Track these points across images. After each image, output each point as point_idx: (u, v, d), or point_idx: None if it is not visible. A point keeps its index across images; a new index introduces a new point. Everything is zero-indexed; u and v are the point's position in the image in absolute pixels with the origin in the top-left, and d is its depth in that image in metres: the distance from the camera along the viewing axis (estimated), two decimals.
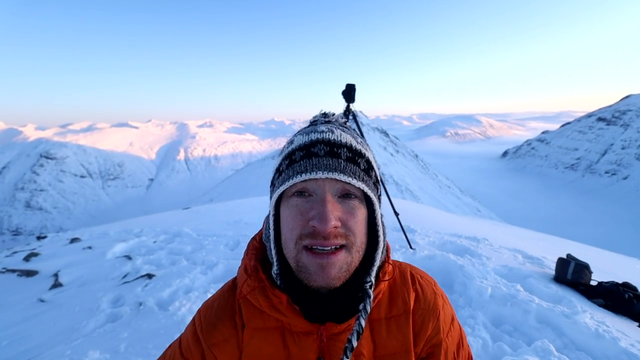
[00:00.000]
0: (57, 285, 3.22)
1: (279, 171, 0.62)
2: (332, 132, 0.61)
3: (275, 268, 0.64)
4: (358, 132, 0.70)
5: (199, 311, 0.73)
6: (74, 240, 5.15)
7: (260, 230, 0.74)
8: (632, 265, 5.15)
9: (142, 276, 3.20)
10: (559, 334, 2.23)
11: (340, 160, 0.58)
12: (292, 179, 0.58)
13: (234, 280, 0.73)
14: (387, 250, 0.69)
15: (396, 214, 3.88)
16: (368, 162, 0.62)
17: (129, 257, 3.90)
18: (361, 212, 0.60)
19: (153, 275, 3.19)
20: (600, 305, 2.79)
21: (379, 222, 0.65)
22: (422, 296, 0.70)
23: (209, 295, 0.84)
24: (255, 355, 0.65)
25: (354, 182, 0.57)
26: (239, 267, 0.70)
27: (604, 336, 2.09)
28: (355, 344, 0.56)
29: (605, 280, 3.08)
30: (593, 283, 3.08)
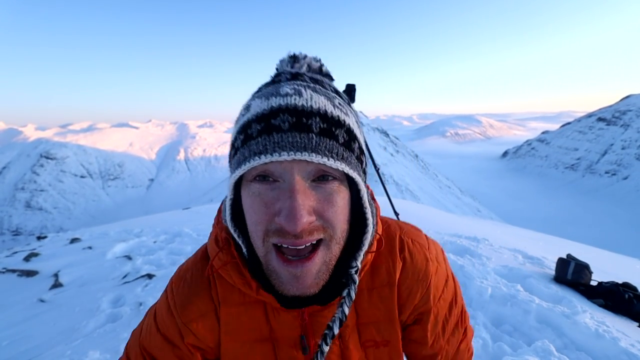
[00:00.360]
0: (57, 285, 3.22)
1: (234, 147, 0.49)
2: (300, 94, 0.46)
3: (244, 251, 0.55)
4: (334, 88, 0.55)
5: (171, 282, 0.64)
6: (74, 240, 5.15)
7: None
8: (632, 265, 5.15)
9: (142, 276, 3.21)
10: (559, 334, 2.23)
11: (311, 134, 0.43)
12: (248, 161, 0.44)
13: (204, 249, 0.64)
14: (376, 215, 0.59)
15: (396, 214, 3.88)
16: (349, 131, 0.48)
17: (129, 257, 3.90)
18: (341, 197, 0.48)
19: (153, 276, 3.20)
20: (600, 306, 2.79)
21: (366, 203, 0.53)
22: (411, 265, 0.61)
23: None
24: (235, 331, 0.59)
25: (331, 162, 0.44)
26: (210, 235, 0.61)
27: (604, 336, 2.09)
28: (336, 331, 0.50)
29: (605, 280, 3.08)
30: (593, 283, 3.08)
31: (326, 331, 0.49)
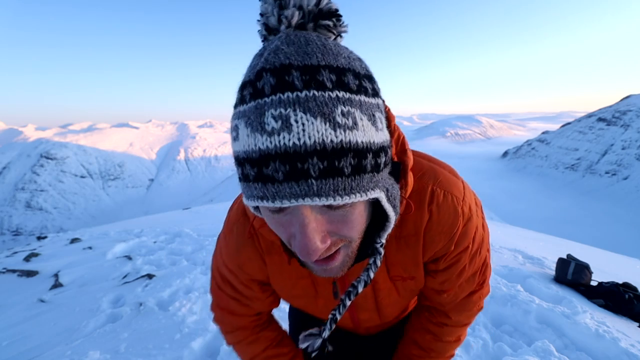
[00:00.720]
0: (57, 285, 3.22)
1: (237, 171, 0.46)
2: (289, 126, 0.37)
3: None
4: (337, 63, 0.42)
5: (223, 232, 0.73)
6: (74, 240, 5.15)
7: None
8: (632, 265, 5.15)
9: (143, 276, 3.21)
10: (560, 335, 2.22)
11: (310, 180, 0.38)
12: (253, 200, 0.43)
13: (244, 205, 0.68)
14: (407, 173, 0.55)
15: None
16: (358, 152, 0.40)
17: (129, 258, 3.90)
18: (357, 213, 0.47)
19: (153, 276, 3.20)
20: (600, 306, 2.79)
21: (387, 207, 0.49)
22: (437, 218, 0.62)
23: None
24: (280, 272, 0.70)
25: (338, 200, 0.40)
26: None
27: (604, 336, 2.09)
28: (360, 289, 0.56)
29: (605, 280, 3.08)
30: (593, 283, 3.08)
31: (350, 289, 0.56)
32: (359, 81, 0.43)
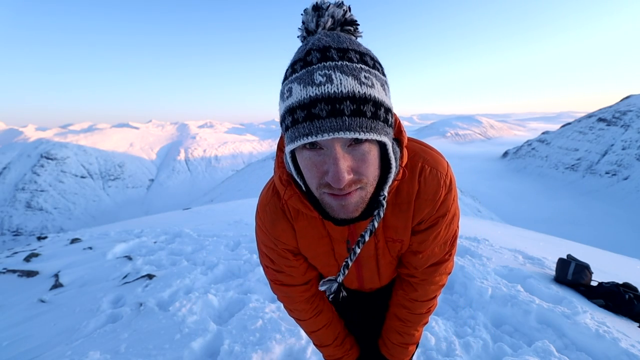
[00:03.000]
0: (57, 285, 3.22)
1: (285, 124, 0.62)
2: (331, 80, 0.56)
3: (304, 189, 0.74)
4: (359, 55, 0.61)
5: (257, 213, 0.91)
6: (74, 240, 5.15)
7: (282, 135, 0.77)
8: (632, 265, 5.14)
9: (143, 277, 3.20)
10: (560, 335, 2.22)
11: (344, 117, 0.55)
12: (299, 140, 0.59)
13: (274, 185, 0.86)
14: (402, 148, 0.73)
15: None
16: (375, 102, 0.59)
17: (129, 258, 3.90)
18: (372, 155, 0.63)
19: (153, 276, 3.19)
20: (600, 306, 2.79)
21: (390, 155, 0.67)
22: (424, 188, 0.79)
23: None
24: (305, 235, 0.88)
25: (361, 135, 0.57)
26: (274, 176, 0.81)
27: (604, 337, 2.09)
28: (367, 238, 0.72)
29: (605, 280, 3.08)
30: (593, 284, 3.07)
31: (359, 238, 0.73)
32: (373, 62, 0.63)
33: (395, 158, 0.71)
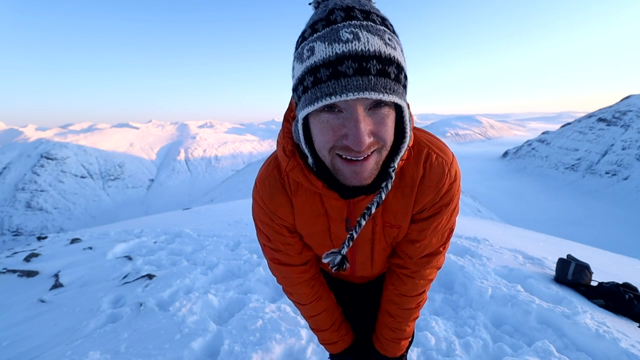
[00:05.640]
0: (57, 285, 3.22)
1: (303, 86, 0.60)
2: (359, 38, 0.54)
3: (310, 160, 0.72)
4: (381, 18, 0.60)
5: (256, 186, 0.89)
6: (74, 240, 5.15)
7: (290, 106, 0.77)
8: (632, 265, 5.14)
9: (143, 277, 3.20)
10: (560, 335, 2.22)
11: (370, 76, 0.54)
12: (321, 100, 0.56)
13: (276, 158, 0.85)
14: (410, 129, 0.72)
15: None
16: (398, 65, 0.57)
17: (129, 258, 3.90)
18: (390, 119, 0.62)
19: (153, 276, 3.19)
20: (600, 306, 2.79)
21: (407, 121, 0.66)
22: (429, 174, 0.78)
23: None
24: (303, 212, 0.86)
25: (385, 97, 0.55)
26: (278, 147, 0.79)
27: (604, 337, 2.09)
28: (373, 210, 0.71)
29: (605, 280, 3.08)
30: (593, 284, 3.07)
31: (365, 210, 0.71)
32: (392, 27, 0.62)
33: (409, 127, 0.69)
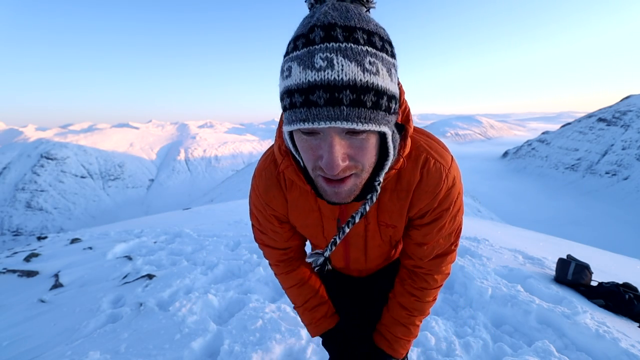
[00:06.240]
0: (57, 285, 3.22)
1: (283, 104, 0.61)
2: (332, 66, 0.52)
3: (302, 164, 0.72)
4: (367, 36, 0.56)
5: (254, 177, 0.93)
6: (74, 240, 5.15)
7: None
8: (632, 265, 5.14)
9: (143, 277, 3.20)
10: (560, 335, 2.22)
11: (342, 107, 0.53)
12: (296, 124, 0.57)
13: (273, 153, 0.86)
14: (406, 138, 0.72)
15: None
16: (377, 91, 0.55)
17: (129, 258, 3.90)
18: (370, 143, 0.61)
19: (153, 276, 3.19)
20: (600, 306, 2.79)
21: (389, 144, 0.65)
22: (426, 179, 0.79)
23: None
24: (297, 206, 0.89)
25: (359, 126, 0.54)
26: (274, 144, 0.81)
27: (604, 337, 2.09)
28: (357, 220, 0.75)
29: (605, 280, 3.08)
30: (593, 284, 3.07)
31: (349, 219, 0.76)
32: (382, 43, 0.58)
33: (394, 147, 0.69)
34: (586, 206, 78.74)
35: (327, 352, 1.97)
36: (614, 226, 64.77)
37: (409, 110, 0.75)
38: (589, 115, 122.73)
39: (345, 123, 0.53)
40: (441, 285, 1.03)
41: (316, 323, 1.15)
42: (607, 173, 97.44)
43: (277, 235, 1.01)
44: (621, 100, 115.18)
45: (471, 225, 6.27)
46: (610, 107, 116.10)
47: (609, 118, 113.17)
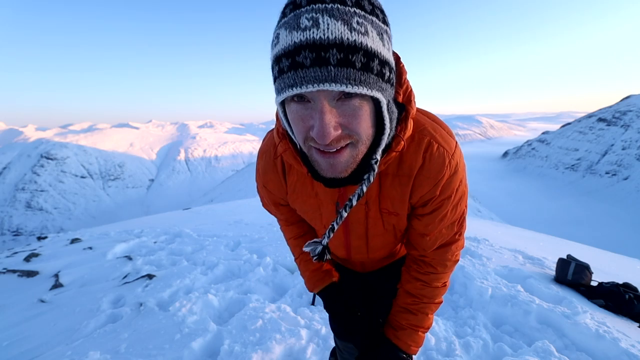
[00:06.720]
0: (57, 285, 3.22)
1: (273, 75, 0.58)
2: (317, 25, 0.50)
3: (299, 146, 0.71)
4: None
5: (258, 157, 0.95)
6: (74, 240, 5.15)
7: None
8: (632, 265, 5.14)
9: (143, 277, 3.20)
10: (560, 335, 2.23)
11: (329, 67, 0.50)
12: (284, 91, 0.54)
13: (272, 136, 0.85)
14: (407, 119, 0.69)
15: None
16: (367, 52, 0.52)
17: (129, 258, 3.90)
18: (364, 110, 0.58)
19: (153, 276, 3.19)
20: (600, 306, 2.79)
21: (384, 113, 0.61)
22: (428, 164, 0.75)
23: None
24: (295, 190, 0.89)
25: (349, 88, 0.51)
26: (274, 128, 0.81)
27: (604, 337, 2.09)
28: (354, 202, 0.70)
29: (605, 280, 3.08)
30: (593, 284, 3.07)
31: (347, 202, 0.71)
32: (372, 7, 0.56)
33: (391, 119, 0.64)
34: (586, 206, 78.75)
35: (326, 353, 1.97)
36: (614, 226, 64.77)
37: (412, 91, 0.71)
38: (589, 115, 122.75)
39: (334, 85, 0.50)
40: (451, 271, 0.97)
41: (313, 275, 1.09)
42: (607, 173, 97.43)
43: (278, 214, 1.08)
44: (621, 100, 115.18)
45: (471, 225, 6.27)
46: (610, 107, 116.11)
47: (609, 118, 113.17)
